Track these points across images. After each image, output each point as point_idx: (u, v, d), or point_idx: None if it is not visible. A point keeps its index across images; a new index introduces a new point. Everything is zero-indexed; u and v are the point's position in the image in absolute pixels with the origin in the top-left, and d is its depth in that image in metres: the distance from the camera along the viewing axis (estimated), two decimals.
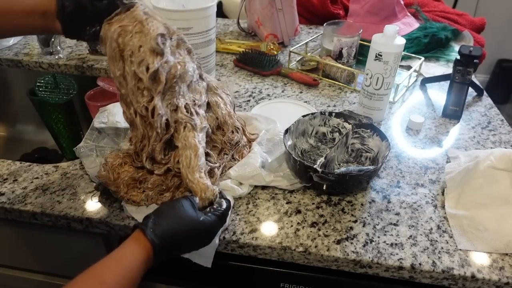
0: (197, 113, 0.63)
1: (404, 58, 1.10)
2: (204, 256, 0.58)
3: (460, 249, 0.60)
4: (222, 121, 0.70)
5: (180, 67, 0.61)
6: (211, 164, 0.66)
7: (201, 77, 0.67)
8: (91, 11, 0.59)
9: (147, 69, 0.57)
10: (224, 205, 0.57)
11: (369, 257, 0.58)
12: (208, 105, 0.69)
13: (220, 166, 0.68)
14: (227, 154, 0.70)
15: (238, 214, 0.64)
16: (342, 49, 1.05)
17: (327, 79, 1.04)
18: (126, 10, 0.59)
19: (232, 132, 0.71)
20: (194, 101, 0.64)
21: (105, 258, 0.48)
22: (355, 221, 0.64)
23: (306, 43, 1.16)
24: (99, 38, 0.61)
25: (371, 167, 0.66)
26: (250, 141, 0.76)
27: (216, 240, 0.58)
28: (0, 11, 0.59)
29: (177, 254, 0.56)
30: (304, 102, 0.94)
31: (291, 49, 1.10)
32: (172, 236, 0.51)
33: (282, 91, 0.99)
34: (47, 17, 0.58)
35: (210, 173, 0.67)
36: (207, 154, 0.68)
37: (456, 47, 1.19)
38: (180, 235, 0.52)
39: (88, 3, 0.59)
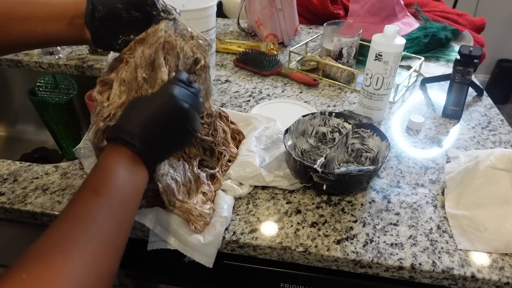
0: None
1: (404, 58, 1.10)
2: (206, 256, 0.58)
3: (460, 249, 0.60)
4: None
5: None
6: (211, 171, 0.66)
7: None
8: (126, 20, 0.53)
9: None
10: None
11: (369, 257, 0.58)
12: None
13: (219, 169, 0.68)
14: (217, 150, 0.69)
15: (238, 214, 0.64)
16: (342, 49, 1.05)
17: (327, 79, 1.04)
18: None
19: None
20: None
21: (96, 169, 0.45)
22: (355, 221, 0.64)
23: (306, 43, 1.16)
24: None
25: (371, 167, 0.66)
26: (222, 116, 0.74)
27: (219, 239, 0.58)
28: (19, 17, 0.51)
29: (163, 147, 0.50)
30: (304, 102, 0.94)
31: (291, 49, 1.10)
32: (139, 121, 0.47)
33: (282, 91, 0.99)
34: (75, 24, 0.52)
35: (212, 178, 0.67)
36: (203, 160, 0.68)
37: (456, 47, 1.19)
38: (145, 116, 0.48)
39: (124, 11, 0.53)
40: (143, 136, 0.47)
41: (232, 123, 0.77)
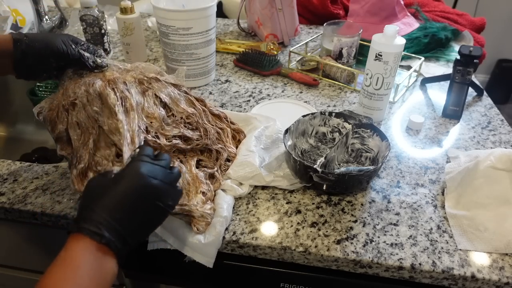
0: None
1: (404, 58, 1.10)
2: (206, 256, 0.58)
3: (460, 249, 0.60)
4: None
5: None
6: (209, 170, 0.66)
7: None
8: (53, 67, 0.59)
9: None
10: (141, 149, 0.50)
11: (369, 257, 0.58)
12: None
13: (218, 169, 0.68)
14: (213, 148, 0.69)
15: (238, 214, 0.64)
16: (342, 49, 1.05)
17: (327, 79, 1.04)
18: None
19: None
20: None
21: (55, 265, 0.41)
22: (355, 221, 0.64)
23: (306, 43, 1.16)
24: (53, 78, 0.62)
25: (371, 167, 0.66)
26: (214, 114, 0.74)
27: (219, 239, 0.58)
28: None
29: (134, 232, 0.46)
30: (304, 102, 0.94)
31: (291, 49, 1.10)
32: (108, 209, 0.43)
33: (282, 91, 0.99)
34: None
35: (211, 177, 0.67)
36: (200, 160, 0.68)
37: (456, 47, 1.19)
38: (111, 200, 0.44)
39: (54, 63, 0.58)
40: (110, 224, 0.43)
41: (232, 123, 0.77)
